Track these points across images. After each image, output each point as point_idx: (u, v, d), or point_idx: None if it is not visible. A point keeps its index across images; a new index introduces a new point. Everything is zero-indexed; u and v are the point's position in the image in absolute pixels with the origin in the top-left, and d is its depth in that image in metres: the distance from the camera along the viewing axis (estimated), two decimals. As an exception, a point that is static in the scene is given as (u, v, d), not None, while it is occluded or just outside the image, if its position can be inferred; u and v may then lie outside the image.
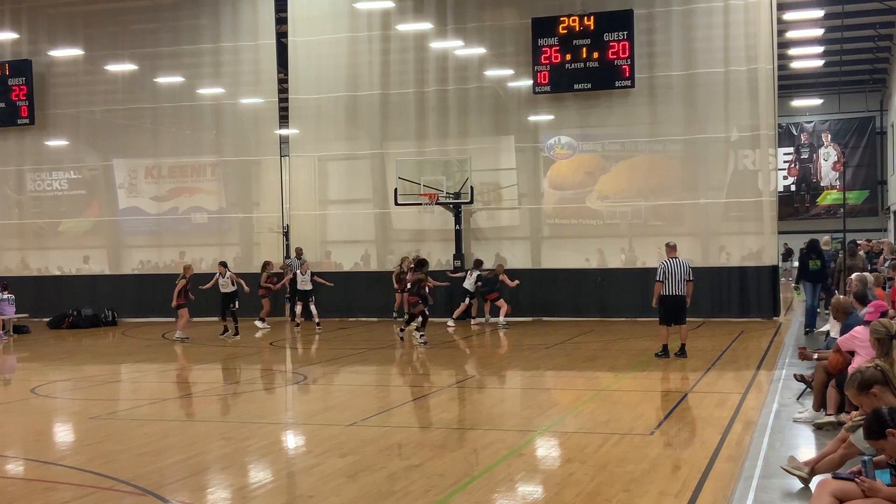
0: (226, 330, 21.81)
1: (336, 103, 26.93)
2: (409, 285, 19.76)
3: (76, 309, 25.96)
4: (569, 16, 24.52)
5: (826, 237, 25.97)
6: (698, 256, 25.08)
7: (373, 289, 25.85)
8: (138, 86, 28.63)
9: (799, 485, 7.60)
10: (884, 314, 9.74)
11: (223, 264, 22.28)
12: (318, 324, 23.48)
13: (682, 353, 16.30)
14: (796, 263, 41.82)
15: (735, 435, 9.92)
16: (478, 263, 23.64)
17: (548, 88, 24.84)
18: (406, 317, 20.39)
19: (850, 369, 9.37)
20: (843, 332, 10.76)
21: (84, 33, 28.62)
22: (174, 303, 21.34)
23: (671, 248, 16.92)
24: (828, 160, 46.01)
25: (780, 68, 29.68)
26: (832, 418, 9.69)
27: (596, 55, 24.20)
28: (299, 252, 25.72)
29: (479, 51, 26.16)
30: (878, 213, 44.62)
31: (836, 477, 6.24)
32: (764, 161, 24.46)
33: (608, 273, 25.02)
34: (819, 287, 20.27)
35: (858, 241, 24.45)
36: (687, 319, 16.81)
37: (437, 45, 26.17)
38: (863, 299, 11.92)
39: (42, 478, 8.84)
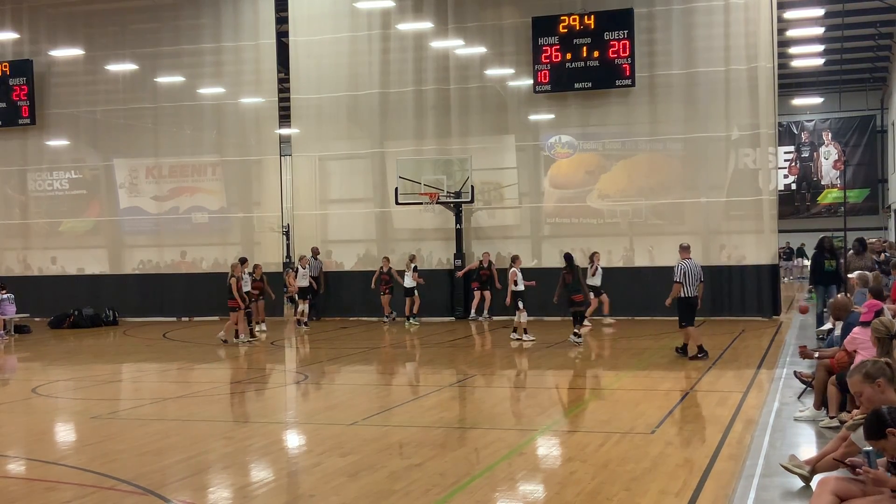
0: (252, 334, 21.09)
1: (337, 103, 26.94)
2: (566, 284, 18.61)
3: (77, 309, 25.97)
4: (569, 15, 24.52)
5: (826, 236, 25.82)
6: (699, 255, 24.97)
7: (373, 288, 25.83)
8: (139, 85, 28.65)
9: (800, 483, 7.61)
10: (878, 313, 9.73)
11: (245, 260, 21.73)
12: (305, 322, 23.48)
13: (683, 351, 16.24)
14: (800, 261, 41.94)
15: (736, 434, 9.92)
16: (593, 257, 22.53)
17: (548, 87, 24.84)
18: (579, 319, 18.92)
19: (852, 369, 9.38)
20: (844, 331, 10.76)
21: (84, 33, 28.64)
22: (236, 303, 20.29)
23: (686, 249, 16.54)
24: (828, 159, 46.01)
25: (780, 67, 29.67)
26: (835, 422, 9.67)
27: (596, 54, 24.21)
28: (315, 251, 25.76)
29: (480, 50, 26.17)
30: (878, 212, 44.62)
31: (837, 460, 6.25)
32: (764, 160, 24.45)
33: (608, 272, 24.95)
34: (833, 289, 18.79)
35: (869, 240, 23.69)
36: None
37: (437, 44, 26.18)
38: (878, 294, 11.95)
39: (43, 477, 8.85)
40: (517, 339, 19.51)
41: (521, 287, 19.79)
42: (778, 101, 25.00)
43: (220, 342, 20.46)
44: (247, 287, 20.94)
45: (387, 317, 24.76)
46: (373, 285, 24.72)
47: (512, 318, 22.47)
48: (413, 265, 24.11)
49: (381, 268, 24.70)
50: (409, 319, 24.04)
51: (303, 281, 24.09)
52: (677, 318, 16.23)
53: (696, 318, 16.34)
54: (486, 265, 24.67)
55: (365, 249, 27.75)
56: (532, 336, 19.43)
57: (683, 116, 24.91)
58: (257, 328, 22.62)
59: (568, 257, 18.83)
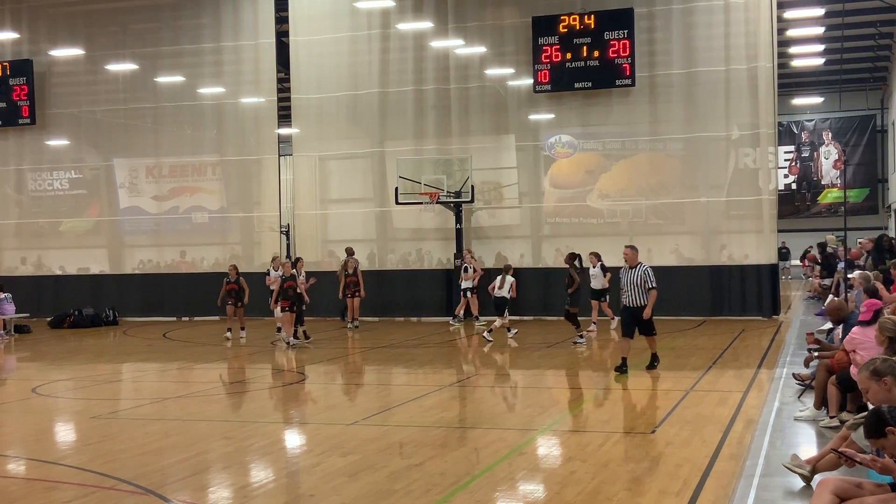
0: (306, 335, 20.04)
1: (337, 102, 26.96)
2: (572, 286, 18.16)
3: (77, 308, 25.98)
4: (569, 14, 24.51)
5: (831, 235, 25.80)
6: (699, 255, 25.13)
7: (373, 288, 25.77)
8: (139, 85, 28.66)
9: (800, 483, 7.61)
10: (877, 312, 9.72)
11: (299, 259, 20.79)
12: (280, 329, 21.20)
13: (623, 367, 14.58)
14: (796, 261, 41.84)
15: (736, 433, 9.93)
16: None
17: (548, 87, 24.83)
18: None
19: (852, 369, 9.38)
20: (845, 331, 10.76)
21: (84, 33, 28.65)
22: (286, 303, 19.31)
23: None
24: (828, 158, 46.01)
25: (780, 66, 29.67)
26: (835, 422, 9.67)
27: (596, 54, 24.20)
28: (350, 251, 24.72)
29: (480, 49, 26.17)
30: (878, 211, 44.62)
31: (834, 450, 6.28)
32: (764, 159, 24.46)
33: (609, 272, 24.93)
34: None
35: (869, 240, 23.39)
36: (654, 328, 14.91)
37: (437, 43, 26.18)
38: (874, 294, 11.96)
39: (43, 477, 8.85)
40: (488, 337, 19.20)
41: (504, 293, 19.59)
42: (778, 101, 25.02)
43: (284, 345, 19.39)
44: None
45: (350, 322, 23.06)
46: (340, 294, 23.10)
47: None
48: (464, 265, 23.28)
49: (346, 269, 22.95)
50: (476, 319, 23.14)
51: (276, 284, 21.34)
52: (647, 328, 14.55)
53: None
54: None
55: (366, 249, 27.74)
56: (515, 329, 19.48)
57: (683, 116, 24.91)
58: (227, 334, 21.16)
59: (576, 256, 18.57)
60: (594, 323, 21.01)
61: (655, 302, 14.41)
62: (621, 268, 14.92)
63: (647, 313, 14.26)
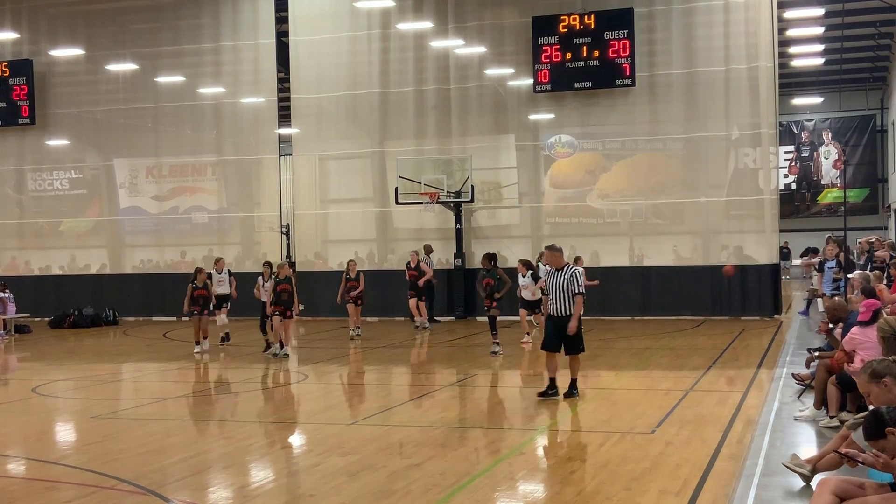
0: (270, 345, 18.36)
1: (337, 102, 26.98)
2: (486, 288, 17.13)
3: (77, 308, 25.99)
4: (569, 14, 24.53)
5: (833, 236, 25.76)
6: (699, 255, 25.13)
7: (373, 288, 25.72)
8: (139, 85, 28.67)
9: (800, 483, 7.60)
10: (877, 312, 9.72)
11: (269, 264, 18.63)
12: (223, 338, 19.89)
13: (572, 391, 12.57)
14: (797, 261, 41.84)
15: (736, 433, 9.93)
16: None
17: (548, 87, 24.85)
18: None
19: (852, 369, 9.38)
20: (845, 331, 10.76)
21: (85, 33, 28.67)
22: (274, 309, 17.78)
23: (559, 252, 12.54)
24: (828, 158, 46.03)
25: (780, 66, 29.65)
26: (835, 422, 9.67)
27: (596, 54, 24.21)
28: (429, 249, 24.12)
29: (480, 49, 26.18)
30: (878, 211, 44.64)
31: (836, 451, 6.28)
32: (764, 159, 24.47)
33: (609, 272, 24.95)
34: None
35: (867, 239, 23.14)
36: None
37: (437, 43, 26.20)
38: (871, 295, 11.97)
39: (43, 477, 8.85)
40: None
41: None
42: (778, 101, 25.04)
43: (278, 356, 17.78)
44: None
45: (354, 330, 21.17)
46: (339, 299, 21.16)
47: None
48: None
49: (348, 273, 21.11)
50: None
51: (220, 287, 19.68)
52: (572, 344, 12.29)
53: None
54: (413, 266, 22.52)
55: (366, 249, 27.75)
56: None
57: (683, 116, 24.93)
58: (196, 348, 18.83)
59: (493, 256, 17.61)
60: (528, 334, 19.07)
61: (583, 309, 12.26)
62: (543, 270, 13.37)
63: (572, 326, 11.98)
